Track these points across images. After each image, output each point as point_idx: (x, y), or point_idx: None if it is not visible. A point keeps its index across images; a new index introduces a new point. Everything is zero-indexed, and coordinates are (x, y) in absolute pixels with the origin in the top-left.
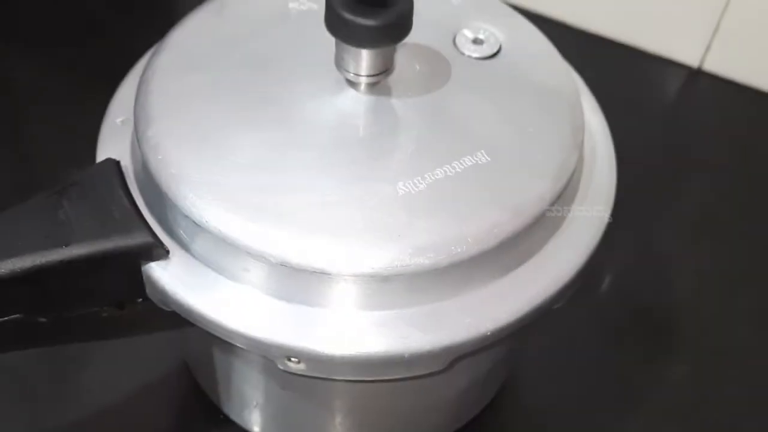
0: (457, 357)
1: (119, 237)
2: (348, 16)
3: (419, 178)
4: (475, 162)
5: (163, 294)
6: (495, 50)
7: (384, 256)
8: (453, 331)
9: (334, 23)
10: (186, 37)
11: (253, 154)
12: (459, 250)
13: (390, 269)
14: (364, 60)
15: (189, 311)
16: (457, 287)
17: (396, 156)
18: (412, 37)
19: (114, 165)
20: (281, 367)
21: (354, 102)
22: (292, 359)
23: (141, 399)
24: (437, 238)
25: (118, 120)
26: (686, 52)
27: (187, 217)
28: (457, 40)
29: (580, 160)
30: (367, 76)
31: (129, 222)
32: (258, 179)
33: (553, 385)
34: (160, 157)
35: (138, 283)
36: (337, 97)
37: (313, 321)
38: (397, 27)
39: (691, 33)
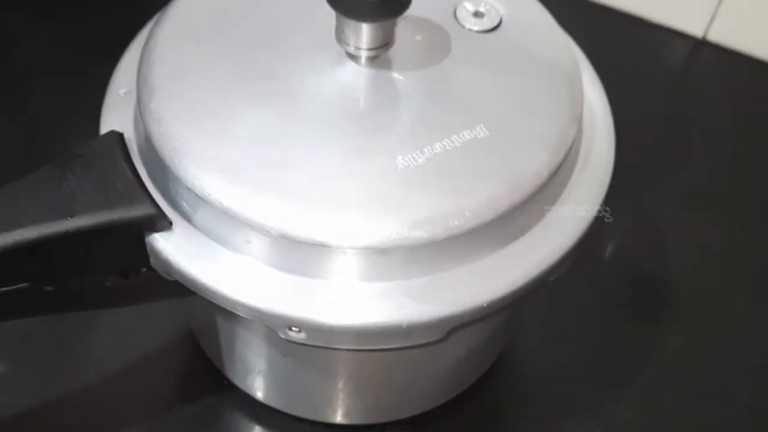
0: (453, 327)
1: (123, 208)
2: None
3: (418, 152)
4: (473, 136)
5: (166, 264)
6: (495, 23)
7: (383, 230)
8: (450, 303)
9: None
10: (188, 6)
11: (255, 127)
12: (456, 223)
13: (388, 242)
14: (364, 33)
15: (192, 281)
16: (454, 259)
17: (396, 130)
18: (412, 9)
19: (117, 137)
20: (282, 336)
21: (355, 75)
22: (293, 328)
23: (146, 365)
24: (435, 212)
25: (121, 91)
26: (691, 22)
27: (189, 189)
28: (457, 13)
29: (579, 133)
30: (368, 49)
31: (132, 194)
32: (259, 152)
33: (550, 354)
34: (162, 130)
35: (142, 254)
36: (337, 70)
37: (313, 291)
38: (397, 1)
39: (696, 3)
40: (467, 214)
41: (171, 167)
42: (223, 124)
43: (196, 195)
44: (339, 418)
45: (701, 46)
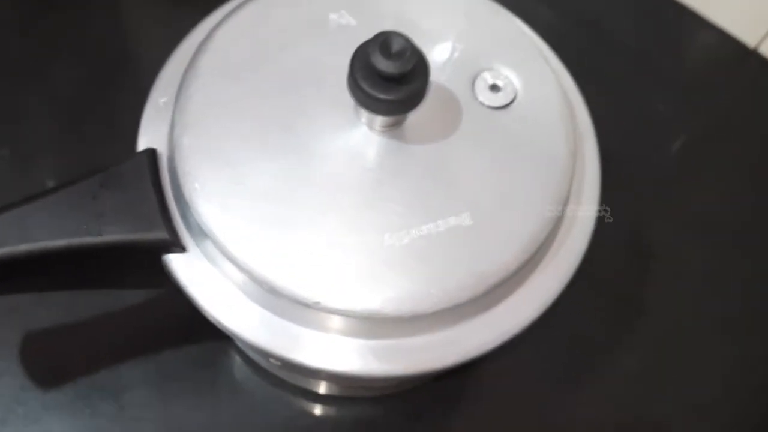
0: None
1: (143, 232)
2: (366, 88)
3: (405, 232)
4: (458, 223)
5: (176, 282)
6: (509, 100)
7: (357, 302)
8: (407, 364)
9: (353, 89)
10: (230, 36)
11: (267, 183)
12: (422, 306)
13: (360, 313)
14: (377, 120)
15: (196, 303)
16: (418, 329)
17: (390, 206)
18: (434, 75)
19: (150, 156)
20: (263, 362)
21: (365, 141)
22: (271, 359)
23: (165, 301)
24: (405, 294)
25: (161, 100)
26: (745, 30)
27: (201, 228)
28: (476, 83)
29: (557, 227)
30: (380, 126)
31: (153, 219)
32: (265, 210)
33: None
34: (188, 169)
35: (160, 264)
36: (351, 132)
37: (293, 336)
38: (410, 102)
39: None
40: (434, 299)
41: (190, 204)
42: (240, 175)
43: (206, 234)
44: (322, 390)
45: (749, 56)
